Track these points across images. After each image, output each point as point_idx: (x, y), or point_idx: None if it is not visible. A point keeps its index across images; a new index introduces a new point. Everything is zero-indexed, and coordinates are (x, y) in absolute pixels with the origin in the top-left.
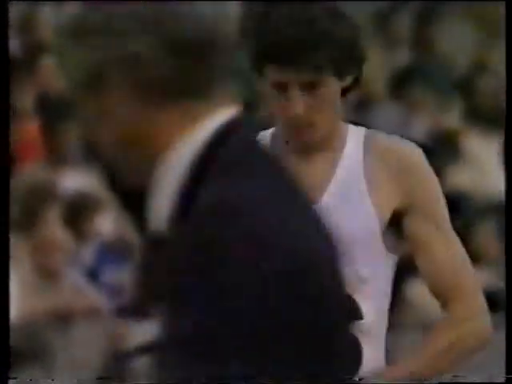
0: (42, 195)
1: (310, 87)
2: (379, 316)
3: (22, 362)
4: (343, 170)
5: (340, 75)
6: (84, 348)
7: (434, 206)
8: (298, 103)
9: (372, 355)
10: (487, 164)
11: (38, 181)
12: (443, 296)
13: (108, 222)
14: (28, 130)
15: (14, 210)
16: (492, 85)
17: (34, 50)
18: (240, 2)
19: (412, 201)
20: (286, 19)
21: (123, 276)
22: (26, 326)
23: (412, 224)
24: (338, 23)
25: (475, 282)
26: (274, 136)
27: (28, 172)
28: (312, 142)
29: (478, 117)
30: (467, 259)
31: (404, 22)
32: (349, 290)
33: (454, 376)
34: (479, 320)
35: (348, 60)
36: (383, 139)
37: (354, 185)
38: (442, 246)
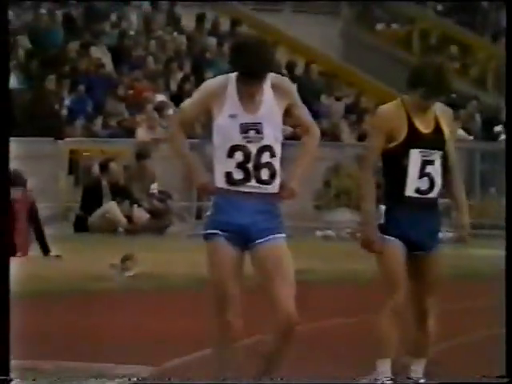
0: (141, 105)
1: (259, 80)
2: (279, 154)
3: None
4: (266, 98)
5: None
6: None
7: (299, 102)
8: (255, 91)
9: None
10: None
11: (145, 97)
12: (307, 127)
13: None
14: (142, 84)
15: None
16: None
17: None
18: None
19: (292, 102)
20: (251, 54)
21: None
22: (147, 144)
23: (293, 110)
24: (270, 54)
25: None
26: (236, 82)
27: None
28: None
29: None
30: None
31: None
32: (272, 144)
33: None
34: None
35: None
36: (274, 78)
37: (271, 100)
38: (303, 111)
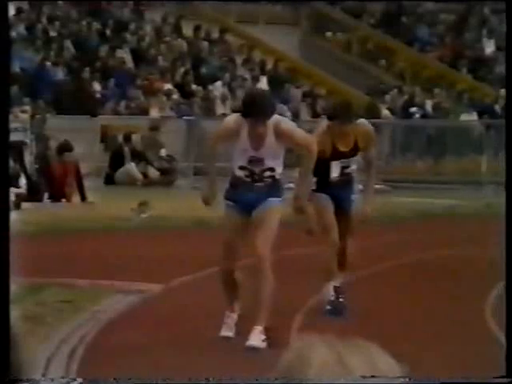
0: (153, 92)
1: (264, 123)
2: (280, 175)
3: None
4: (268, 138)
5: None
6: None
7: (294, 133)
8: (261, 132)
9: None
10: None
11: (157, 86)
12: (304, 147)
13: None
14: (155, 77)
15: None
16: None
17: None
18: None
19: (288, 136)
20: (258, 101)
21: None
22: (157, 120)
23: (292, 140)
24: (271, 100)
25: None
26: (247, 125)
27: (154, 87)
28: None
29: None
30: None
31: None
32: (272, 166)
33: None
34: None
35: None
36: (274, 121)
37: (272, 141)
38: (299, 136)
